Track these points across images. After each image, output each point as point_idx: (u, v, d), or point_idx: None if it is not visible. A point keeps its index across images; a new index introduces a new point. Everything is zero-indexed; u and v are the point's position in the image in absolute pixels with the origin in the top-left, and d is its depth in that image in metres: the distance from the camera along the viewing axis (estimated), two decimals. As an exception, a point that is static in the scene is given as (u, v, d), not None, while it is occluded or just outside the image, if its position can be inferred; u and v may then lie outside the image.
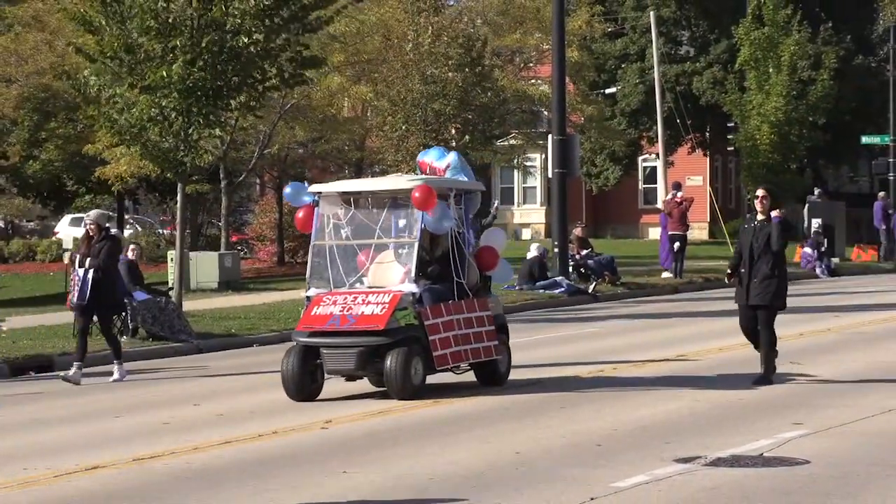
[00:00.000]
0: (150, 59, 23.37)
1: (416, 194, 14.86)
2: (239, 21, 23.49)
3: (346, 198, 15.59)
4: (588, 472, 10.62)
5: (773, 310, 15.50)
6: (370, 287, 14.99)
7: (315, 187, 15.83)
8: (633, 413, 13.60)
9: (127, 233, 49.12)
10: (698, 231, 55.37)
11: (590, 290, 30.81)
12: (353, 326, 14.56)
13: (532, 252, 31.42)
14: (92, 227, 18.22)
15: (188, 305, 25.39)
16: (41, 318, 25.59)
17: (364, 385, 15.49)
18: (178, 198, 25.67)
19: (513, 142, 47.81)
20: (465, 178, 16.16)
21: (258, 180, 54.50)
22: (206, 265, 34.73)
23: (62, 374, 17.91)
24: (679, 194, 35.27)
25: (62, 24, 43.58)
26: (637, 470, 10.59)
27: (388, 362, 14.50)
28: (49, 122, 44.53)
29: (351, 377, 15.25)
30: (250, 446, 12.28)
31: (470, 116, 36.94)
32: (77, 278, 17.96)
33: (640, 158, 60.36)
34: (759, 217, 15.60)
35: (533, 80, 45.39)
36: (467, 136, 37.07)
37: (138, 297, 22.52)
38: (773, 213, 15.54)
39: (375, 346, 14.58)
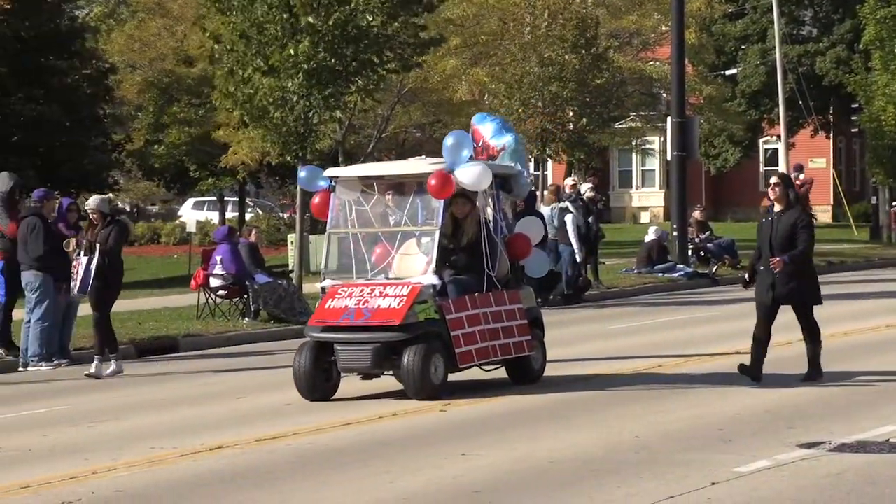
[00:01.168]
0: (276, 40, 23.60)
1: (432, 182, 13.70)
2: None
3: (365, 182, 14.49)
4: (709, 457, 10.51)
5: (807, 307, 14.16)
6: (390, 279, 13.96)
7: (331, 171, 14.91)
8: (758, 398, 13.42)
9: (248, 216, 49.83)
10: (822, 214, 54.52)
11: (709, 274, 30.51)
12: (368, 321, 13.50)
13: (650, 235, 31.15)
14: (94, 215, 17.05)
15: (308, 288, 25.60)
16: (165, 300, 25.98)
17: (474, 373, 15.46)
18: (298, 181, 25.84)
19: (631, 124, 47.46)
20: (514, 164, 14.94)
21: (376, 164, 54.71)
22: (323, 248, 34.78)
23: (87, 371, 16.95)
24: (801, 177, 34.74)
25: (183, 10, 44.25)
26: (760, 455, 10.45)
27: (405, 360, 13.42)
28: (172, 106, 45.18)
29: (367, 375, 14.20)
30: (370, 427, 12.35)
31: (587, 99, 36.73)
32: (80, 267, 16.73)
33: (762, 140, 59.59)
34: (777, 208, 14.00)
35: (651, 62, 45.00)
36: (584, 119, 36.88)
37: (259, 279, 22.76)
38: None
39: (392, 343, 13.53)
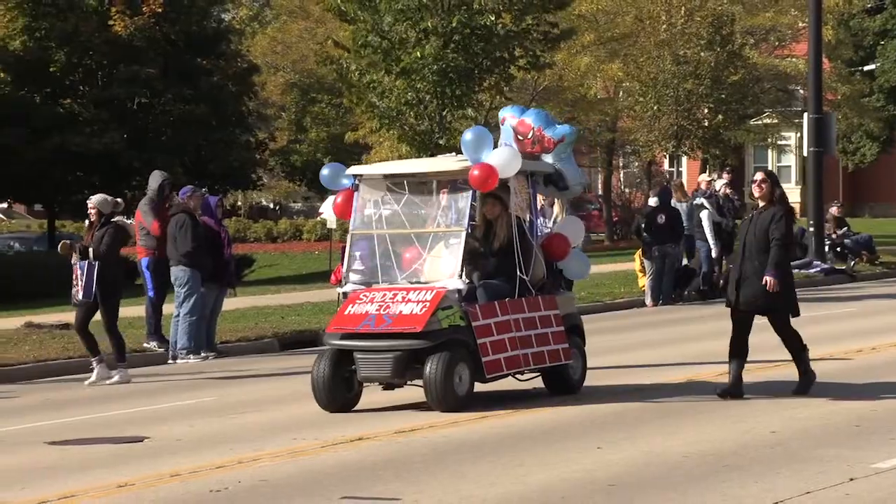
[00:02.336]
0: (403, 43, 23.79)
1: (475, 172, 12.69)
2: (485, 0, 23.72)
3: (390, 181, 13.34)
4: (846, 453, 10.31)
5: (782, 316, 12.92)
6: (413, 283, 12.93)
7: (354, 169, 13.75)
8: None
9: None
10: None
11: (847, 270, 29.97)
12: (388, 328, 12.51)
13: (787, 231, 30.62)
14: (92, 211, 16.23)
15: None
16: (307, 295, 26.30)
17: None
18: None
19: (766, 121, 46.78)
20: (563, 163, 13.69)
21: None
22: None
23: (87, 382, 16.32)
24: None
25: (324, 13, 44.72)
26: (898, 451, 10.26)
27: (428, 369, 12.46)
28: (313, 106, 45.71)
29: (389, 385, 13.25)
30: (504, 422, 12.31)
31: (723, 96, 36.31)
32: (80, 272, 15.92)
33: (901, 135, 58.33)
34: (761, 205, 12.84)
35: (787, 58, 44.33)
36: (720, 116, 36.47)
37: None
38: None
39: (414, 350, 12.55)
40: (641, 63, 36.38)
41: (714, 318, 21.91)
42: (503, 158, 12.92)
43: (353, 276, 13.28)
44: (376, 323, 12.56)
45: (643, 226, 24.36)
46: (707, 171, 35.42)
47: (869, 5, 52.46)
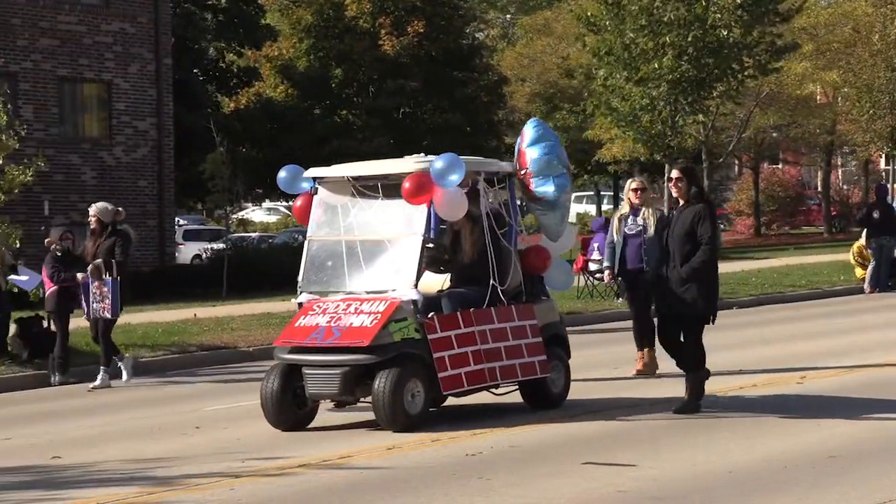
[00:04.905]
0: (643, 55, 23.78)
1: (406, 185, 10.63)
2: (719, 16, 23.45)
3: (351, 184, 11.23)
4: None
5: (698, 319, 10.76)
6: (371, 292, 10.82)
7: (313, 171, 11.53)
8: None
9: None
10: None
11: None
12: (336, 341, 10.50)
13: None
14: (92, 219, 14.48)
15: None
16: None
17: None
18: (666, 178, 25.78)
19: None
20: (543, 218, 11.66)
21: (736, 162, 53.65)
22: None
23: (91, 385, 14.52)
24: None
25: (566, 30, 44.58)
26: None
27: (375, 385, 10.42)
28: (555, 113, 45.67)
29: (339, 403, 11.16)
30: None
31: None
32: (106, 289, 14.14)
33: None
34: (681, 203, 10.89)
35: None
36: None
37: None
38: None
39: (363, 366, 10.54)
40: (858, 71, 35.19)
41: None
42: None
43: (309, 286, 11.10)
44: (324, 336, 10.55)
45: (860, 220, 23.73)
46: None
47: None
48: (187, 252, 35.71)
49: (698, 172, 10.90)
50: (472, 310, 10.87)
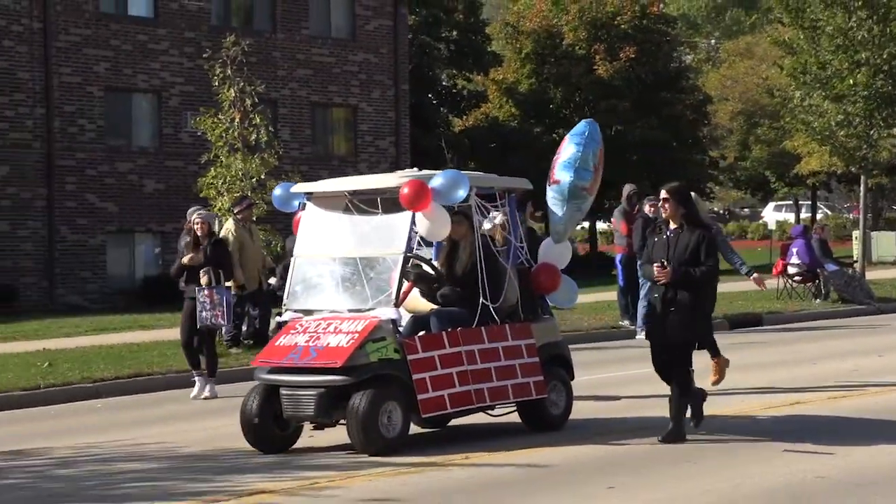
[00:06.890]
0: (838, 73, 23.18)
1: (405, 190, 9.37)
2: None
3: (336, 200, 10.00)
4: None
5: (688, 346, 9.36)
6: (353, 311, 9.54)
7: (301, 186, 10.33)
8: None
9: (818, 216, 48.89)
10: None
11: None
12: (311, 362, 9.27)
13: None
14: (202, 225, 13.04)
15: (870, 275, 24.59)
16: (748, 285, 25.58)
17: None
18: (861, 188, 25.20)
19: None
20: (554, 206, 10.27)
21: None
22: (884, 242, 33.80)
23: (192, 395, 13.24)
24: None
25: (767, 52, 43.55)
26: None
27: (350, 407, 9.17)
28: (756, 129, 44.75)
29: (319, 425, 9.69)
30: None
31: None
32: (218, 297, 12.86)
33: None
34: (672, 225, 9.40)
35: None
36: None
37: (829, 268, 22.42)
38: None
39: (339, 387, 9.24)
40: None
41: None
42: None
43: (294, 303, 9.89)
44: (301, 356, 9.33)
45: None
46: None
47: None
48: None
49: (689, 194, 9.47)
50: (459, 329, 9.57)
